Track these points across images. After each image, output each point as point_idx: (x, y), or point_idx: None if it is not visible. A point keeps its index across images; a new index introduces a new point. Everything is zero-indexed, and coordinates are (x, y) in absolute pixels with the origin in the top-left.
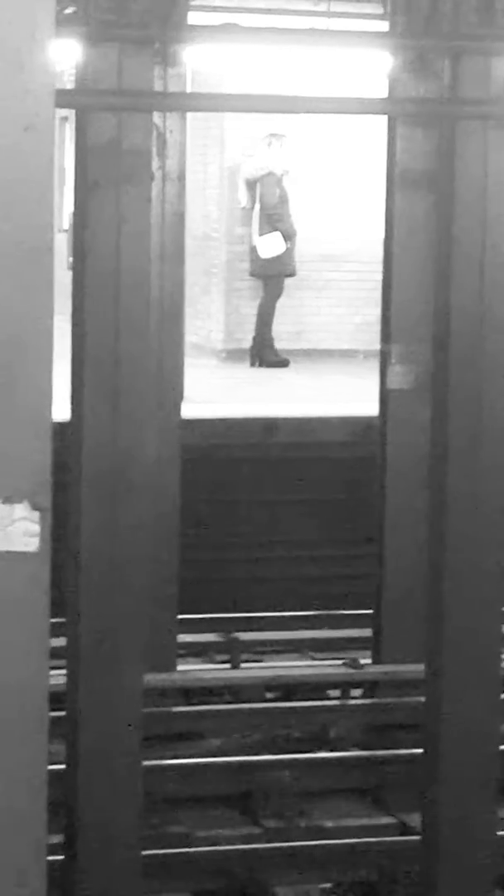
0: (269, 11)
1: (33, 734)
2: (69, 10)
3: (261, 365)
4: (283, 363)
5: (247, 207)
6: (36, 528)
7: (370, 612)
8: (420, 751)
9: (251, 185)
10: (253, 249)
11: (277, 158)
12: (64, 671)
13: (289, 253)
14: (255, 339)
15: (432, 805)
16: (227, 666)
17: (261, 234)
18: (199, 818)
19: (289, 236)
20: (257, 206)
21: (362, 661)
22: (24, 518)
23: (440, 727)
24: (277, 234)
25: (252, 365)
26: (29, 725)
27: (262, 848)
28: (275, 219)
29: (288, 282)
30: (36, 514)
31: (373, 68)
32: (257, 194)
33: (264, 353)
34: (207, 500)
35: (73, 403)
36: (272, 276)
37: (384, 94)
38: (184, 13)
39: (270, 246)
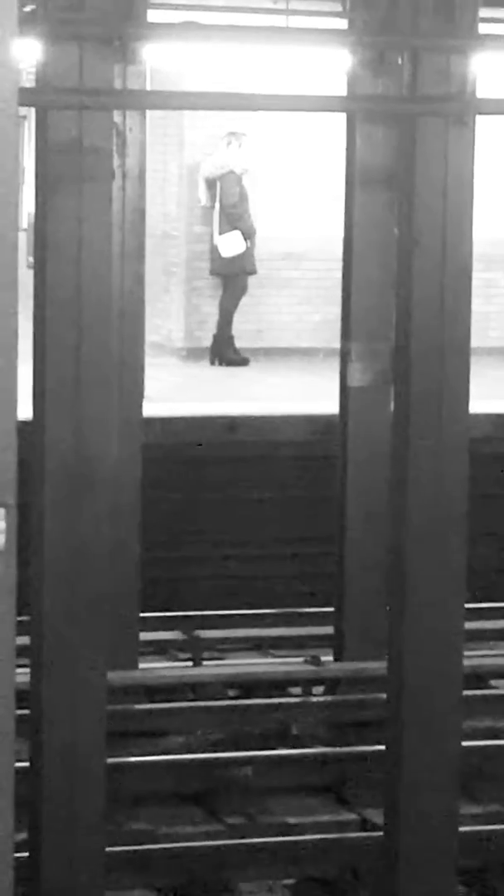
0: (228, 9)
1: (0, 731)
2: (28, 9)
3: (220, 363)
4: (243, 362)
5: (206, 206)
6: (1, 525)
7: (331, 609)
8: (382, 747)
9: (211, 183)
10: (214, 248)
11: (237, 157)
12: (28, 669)
13: (249, 251)
14: (215, 337)
15: (394, 801)
16: (189, 664)
17: (221, 233)
18: (162, 815)
19: (248, 235)
20: (217, 206)
21: (324, 659)
22: None
23: (402, 724)
24: (237, 233)
25: (212, 363)
26: None
27: (225, 844)
28: (234, 217)
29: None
30: (1, 512)
31: (332, 66)
32: (217, 193)
33: (224, 352)
34: (168, 498)
35: (34, 402)
36: (232, 275)
37: (344, 91)
38: (143, 10)
39: (231, 245)
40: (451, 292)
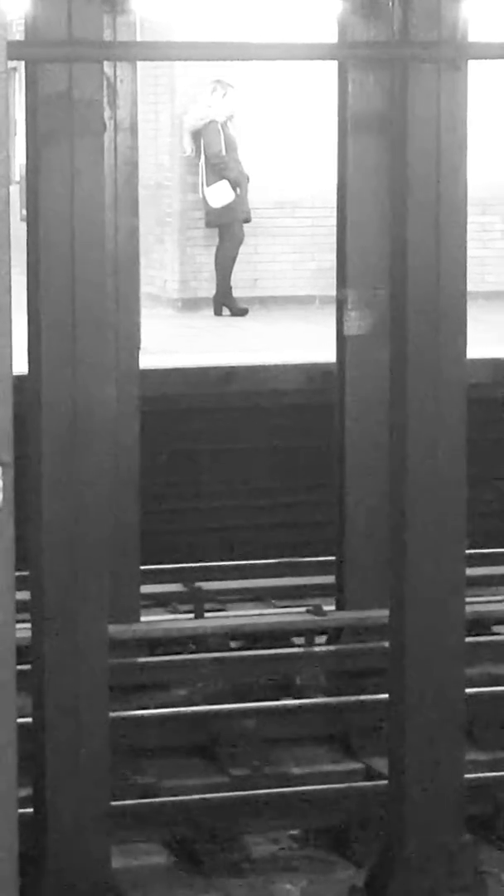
0: None
1: (2, 688)
2: None
3: (231, 314)
4: (242, 312)
5: (191, 156)
6: None
7: (332, 558)
8: (385, 696)
9: (195, 135)
10: (204, 200)
11: (219, 106)
12: (29, 625)
13: (241, 199)
14: (218, 287)
15: (398, 750)
16: (191, 616)
17: (208, 184)
18: (166, 768)
19: (237, 183)
20: (202, 157)
21: (326, 608)
22: None
23: (405, 672)
24: (225, 183)
25: (217, 314)
26: None
27: (229, 796)
28: (220, 167)
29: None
30: None
31: (322, 12)
32: (201, 144)
33: (229, 301)
34: (166, 450)
35: (29, 356)
36: (226, 224)
37: (335, 38)
38: None
39: (219, 195)
40: (447, 238)
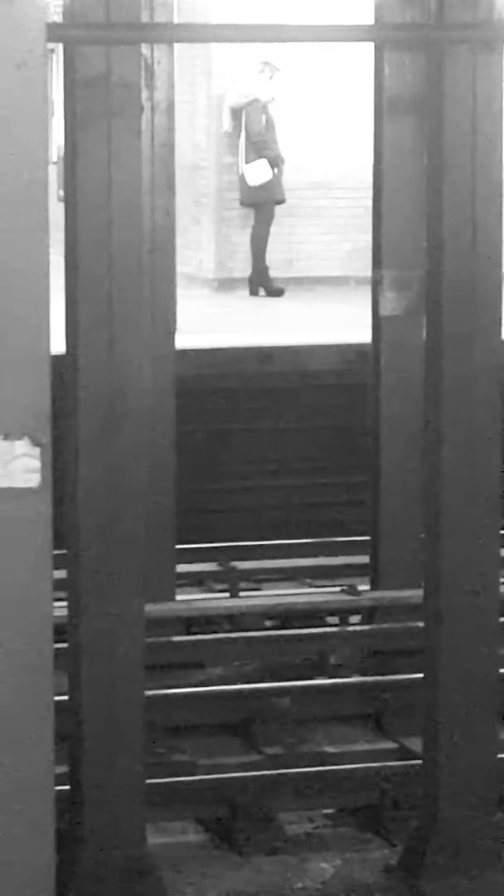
0: None
1: (39, 665)
2: None
3: (266, 294)
4: (279, 292)
5: (229, 133)
6: (37, 463)
7: (367, 538)
8: (420, 675)
9: (236, 113)
10: (241, 178)
11: (263, 86)
12: (65, 603)
13: (277, 179)
14: (254, 267)
15: (433, 729)
16: (226, 595)
17: (247, 162)
18: (202, 746)
19: (276, 163)
20: (243, 135)
21: (360, 588)
22: (24, 454)
23: (439, 652)
24: (264, 162)
25: (252, 294)
26: (35, 657)
27: (264, 775)
28: (260, 146)
29: (278, 209)
30: (36, 450)
31: None
32: (242, 122)
33: (265, 281)
34: (203, 430)
35: (67, 337)
36: (262, 204)
37: (371, 20)
38: None
39: (257, 173)
40: (483, 219)
